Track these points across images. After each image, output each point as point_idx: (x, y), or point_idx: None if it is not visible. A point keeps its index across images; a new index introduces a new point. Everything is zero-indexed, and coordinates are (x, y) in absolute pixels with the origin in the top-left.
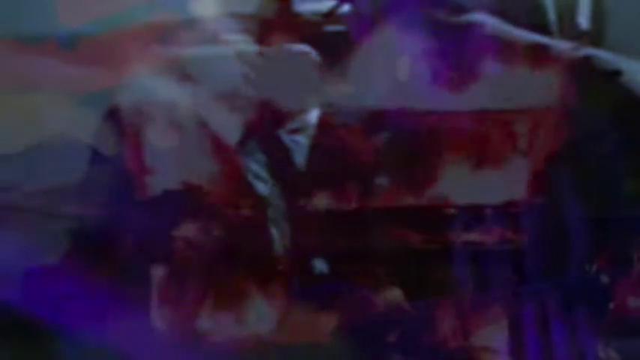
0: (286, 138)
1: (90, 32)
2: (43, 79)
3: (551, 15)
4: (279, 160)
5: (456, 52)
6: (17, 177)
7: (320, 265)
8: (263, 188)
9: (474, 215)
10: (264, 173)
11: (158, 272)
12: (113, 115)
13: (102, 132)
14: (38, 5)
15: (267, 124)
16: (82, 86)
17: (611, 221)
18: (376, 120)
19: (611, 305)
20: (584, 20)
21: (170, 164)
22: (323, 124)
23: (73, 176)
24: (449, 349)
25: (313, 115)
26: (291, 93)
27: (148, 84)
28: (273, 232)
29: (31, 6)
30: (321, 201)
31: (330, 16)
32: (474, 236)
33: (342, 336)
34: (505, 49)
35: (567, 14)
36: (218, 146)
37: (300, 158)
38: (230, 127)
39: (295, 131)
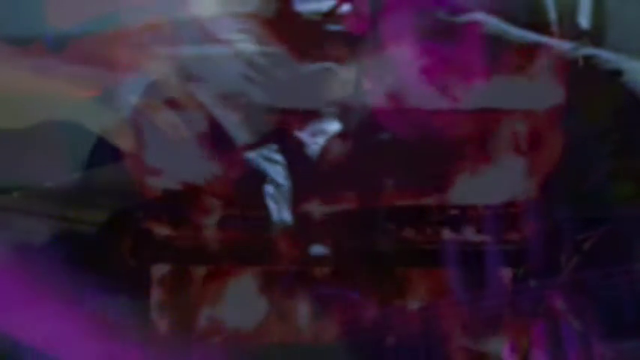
0: (305, 138)
1: (79, 34)
2: (32, 81)
3: (551, 15)
4: (294, 157)
5: (456, 51)
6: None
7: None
8: (274, 174)
9: (474, 215)
10: (278, 162)
11: (158, 272)
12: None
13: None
14: (26, 7)
15: (285, 127)
16: (73, 88)
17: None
18: (377, 120)
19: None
20: (584, 20)
21: (171, 164)
22: (338, 127)
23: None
24: (449, 351)
25: (331, 122)
26: (308, 99)
27: (146, 84)
28: (277, 230)
29: (19, 7)
30: (324, 201)
31: (330, 15)
32: (473, 236)
33: (342, 337)
34: (505, 49)
35: (567, 14)
36: (221, 145)
37: (314, 155)
38: (234, 126)
39: (313, 134)
